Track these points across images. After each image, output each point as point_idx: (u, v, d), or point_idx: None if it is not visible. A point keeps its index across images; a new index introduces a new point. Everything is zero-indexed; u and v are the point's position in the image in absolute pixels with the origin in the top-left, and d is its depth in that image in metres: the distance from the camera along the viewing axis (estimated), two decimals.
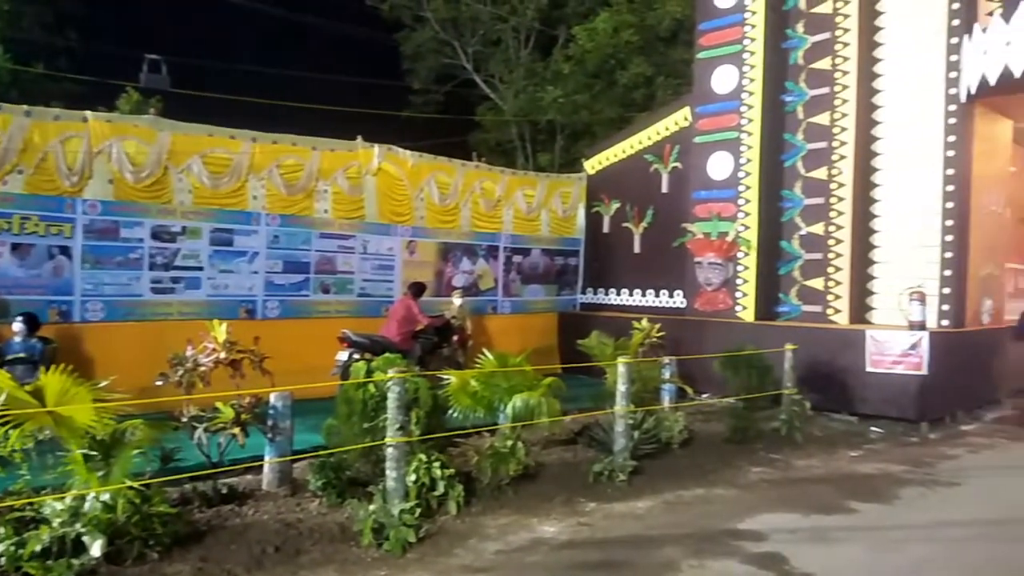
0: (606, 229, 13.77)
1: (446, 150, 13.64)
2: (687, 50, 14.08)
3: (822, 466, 7.47)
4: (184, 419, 5.55)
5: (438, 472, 5.50)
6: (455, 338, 10.52)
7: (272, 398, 5.90)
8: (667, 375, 8.79)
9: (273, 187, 10.41)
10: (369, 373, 6.03)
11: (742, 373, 9.05)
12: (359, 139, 11.36)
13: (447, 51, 22.02)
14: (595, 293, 13.96)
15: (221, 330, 6.12)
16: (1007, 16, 8.83)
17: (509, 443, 6.39)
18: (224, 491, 5.52)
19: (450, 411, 6.65)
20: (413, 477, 5.37)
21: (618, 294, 13.56)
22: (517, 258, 13.32)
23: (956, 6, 9.82)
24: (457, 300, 11.29)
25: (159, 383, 5.87)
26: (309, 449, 6.24)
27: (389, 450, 5.22)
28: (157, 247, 9.31)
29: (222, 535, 4.91)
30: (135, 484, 4.55)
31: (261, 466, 5.94)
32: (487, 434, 7.23)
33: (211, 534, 4.91)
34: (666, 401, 8.73)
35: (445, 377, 6.91)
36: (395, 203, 11.72)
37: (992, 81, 9.03)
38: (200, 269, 9.64)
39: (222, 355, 6.00)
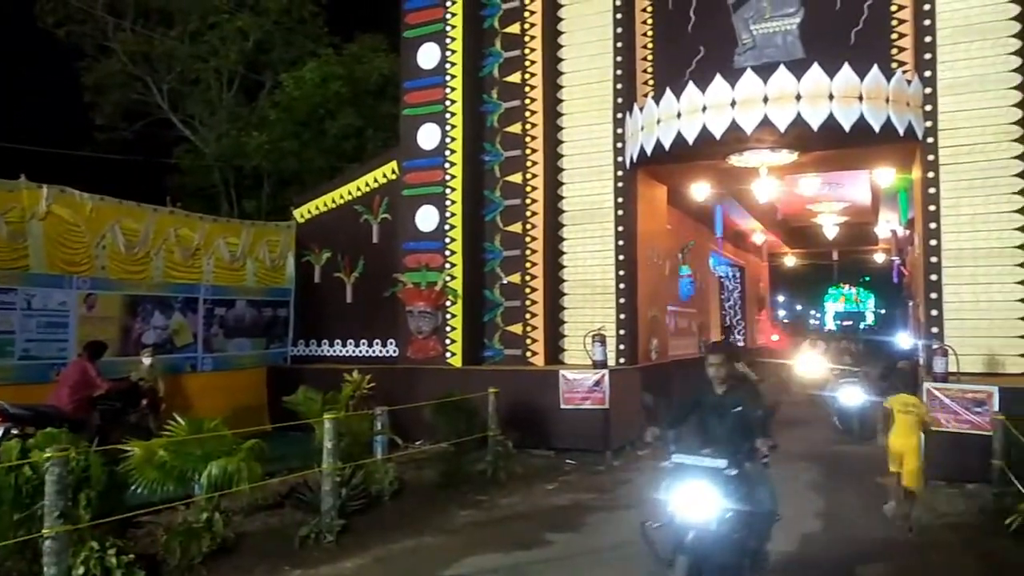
0: (317, 279, 13.49)
1: (138, 194, 12.41)
2: (395, 105, 14.52)
3: (523, 502, 7.95)
4: None
5: (113, 561, 4.86)
6: (144, 402, 9.48)
7: None
8: (379, 426, 8.77)
9: None
10: (24, 452, 5.17)
11: (451, 418, 9.34)
12: (23, 178, 9.89)
13: (137, 86, 20.19)
14: (307, 345, 13.54)
15: None
16: (657, 98, 10.45)
17: (204, 516, 5.88)
18: None
19: (134, 487, 5.94)
20: (81, 570, 4.68)
21: (331, 345, 13.31)
22: (220, 310, 12.44)
23: (620, 86, 11.39)
24: (147, 359, 10.19)
25: None
26: None
27: (47, 543, 4.50)
28: None
29: None
30: None
31: None
32: (182, 508, 6.57)
33: None
34: (378, 453, 8.68)
35: (129, 449, 6.17)
36: (69, 251, 10.31)
37: (649, 152, 10.58)
38: None
39: None
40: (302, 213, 13.84)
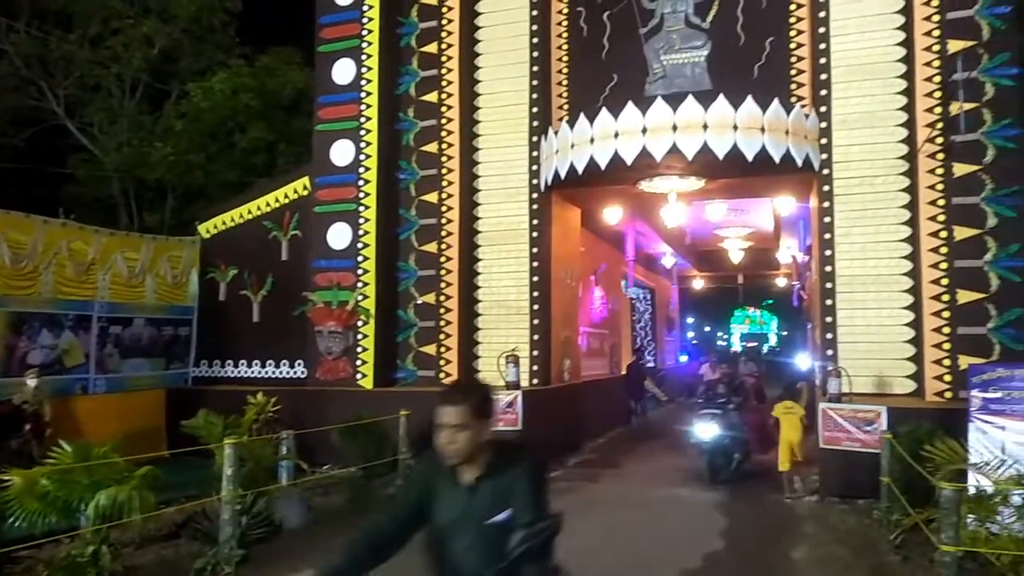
0: (222, 297, 12.99)
1: (28, 204, 11.67)
2: (308, 119, 14.23)
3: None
4: None
5: None
6: (27, 427, 8.85)
7: None
8: (285, 451, 8.48)
9: None
10: None
11: (361, 441, 9.16)
12: None
13: (31, 91, 19.05)
14: (210, 366, 12.99)
15: None
16: (571, 123, 10.64)
17: (90, 549, 5.51)
18: None
19: (13, 519, 5.52)
20: None
21: (236, 366, 12.82)
22: (115, 329, 11.80)
23: (536, 109, 11.54)
24: (32, 381, 9.52)
25: None
26: None
27: None
28: None
29: None
30: None
31: None
32: (67, 541, 6.14)
33: None
34: (283, 479, 8.39)
35: (8, 478, 5.74)
36: None
37: (563, 175, 10.74)
38: None
39: None
40: (208, 228, 13.34)
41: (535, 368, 11.27)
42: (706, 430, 9.90)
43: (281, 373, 12.46)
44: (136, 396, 11.78)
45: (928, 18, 9.59)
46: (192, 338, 13.03)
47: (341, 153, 11.80)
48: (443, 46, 11.88)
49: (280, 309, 12.29)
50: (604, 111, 10.23)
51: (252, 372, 12.68)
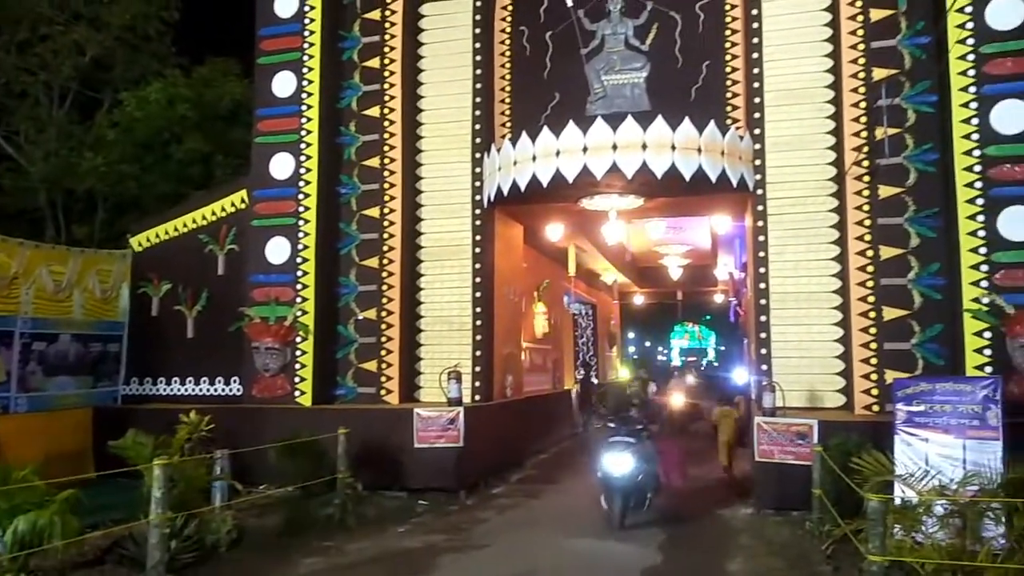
0: (155, 312, 12.56)
1: None
2: (247, 131, 13.97)
3: (372, 547, 7.69)
4: None
5: None
6: None
7: None
8: (219, 471, 8.23)
9: None
10: None
11: (298, 461, 8.96)
12: None
13: None
14: (141, 384, 12.53)
15: None
16: (514, 140, 10.72)
17: None
18: None
19: None
20: None
21: (168, 384, 12.40)
22: (39, 345, 11.28)
23: (478, 126, 11.59)
24: None
25: None
26: None
27: None
28: None
29: None
30: None
31: None
32: None
33: None
34: (216, 500, 8.14)
35: None
36: None
37: (505, 192, 10.79)
38: None
39: None
40: (140, 241, 12.92)
41: (477, 384, 11.24)
42: (619, 463, 8.16)
43: (216, 390, 12.11)
44: (61, 416, 11.26)
45: (854, 47, 10.01)
46: (122, 355, 12.56)
47: (281, 166, 11.60)
48: (386, 61, 11.84)
49: (216, 325, 11.97)
50: (546, 129, 10.34)
51: (186, 390, 12.29)
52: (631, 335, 36.79)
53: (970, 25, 9.21)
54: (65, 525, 5.70)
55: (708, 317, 40.03)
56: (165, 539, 6.13)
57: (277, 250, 11.46)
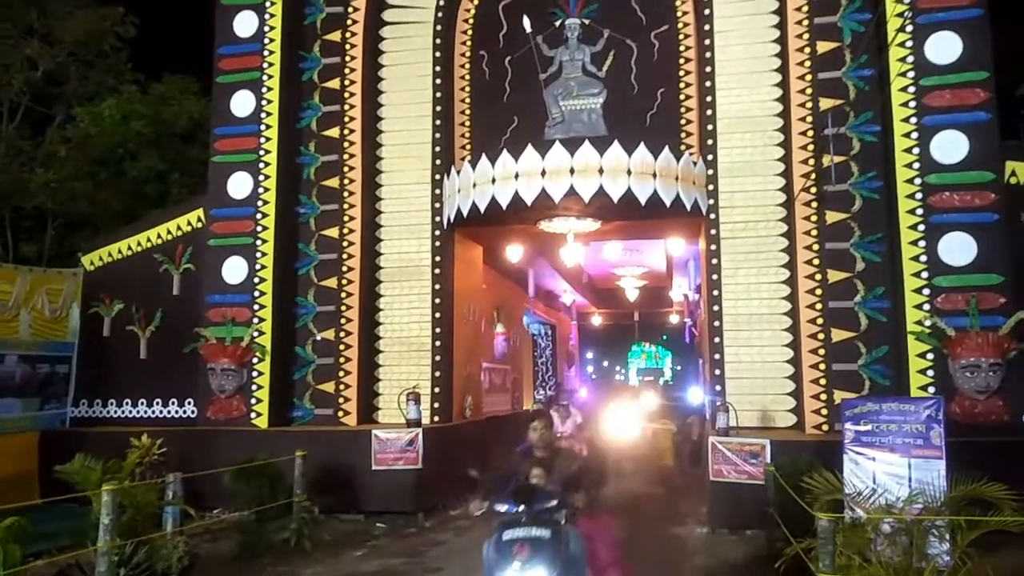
0: (107, 332, 12.28)
1: None
2: (204, 150, 13.82)
3: (328, 571, 7.61)
4: None
5: None
6: None
7: None
8: (171, 495, 8.07)
9: None
10: None
11: (253, 484, 8.83)
12: None
13: None
14: (91, 406, 12.22)
15: None
16: (473, 163, 10.83)
17: None
18: None
19: None
20: None
21: (119, 406, 12.12)
22: None
23: (439, 148, 11.69)
24: None
25: None
26: None
27: None
28: None
29: None
30: None
31: None
32: None
33: None
34: (168, 525, 7.97)
35: None
36: None
37: (465, 213, 10.89)
38: None
39: None
40: (92, 260, 12.66)
41: (436, 405, 11.24)
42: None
43: (170, 413, 11.88)
44: (5, 440, 10.90)
45: (802, 77, 10.37)
46: (71, 376, 12.24)
47: (238, 185, 11.52)
48: (346, 82, 11.87)
49: (170, 345, 11.76)
50: (505, 152, 10.48)
51: (138, 412, 12.03)
52: (589, 355, 36.99)
53: (911, 59, 9.64)
54: (7, 554, 5.53)
55: (664, 337, 40.41)
56: (113, 567, 6.00)
57: (234, 270, 11.34)
